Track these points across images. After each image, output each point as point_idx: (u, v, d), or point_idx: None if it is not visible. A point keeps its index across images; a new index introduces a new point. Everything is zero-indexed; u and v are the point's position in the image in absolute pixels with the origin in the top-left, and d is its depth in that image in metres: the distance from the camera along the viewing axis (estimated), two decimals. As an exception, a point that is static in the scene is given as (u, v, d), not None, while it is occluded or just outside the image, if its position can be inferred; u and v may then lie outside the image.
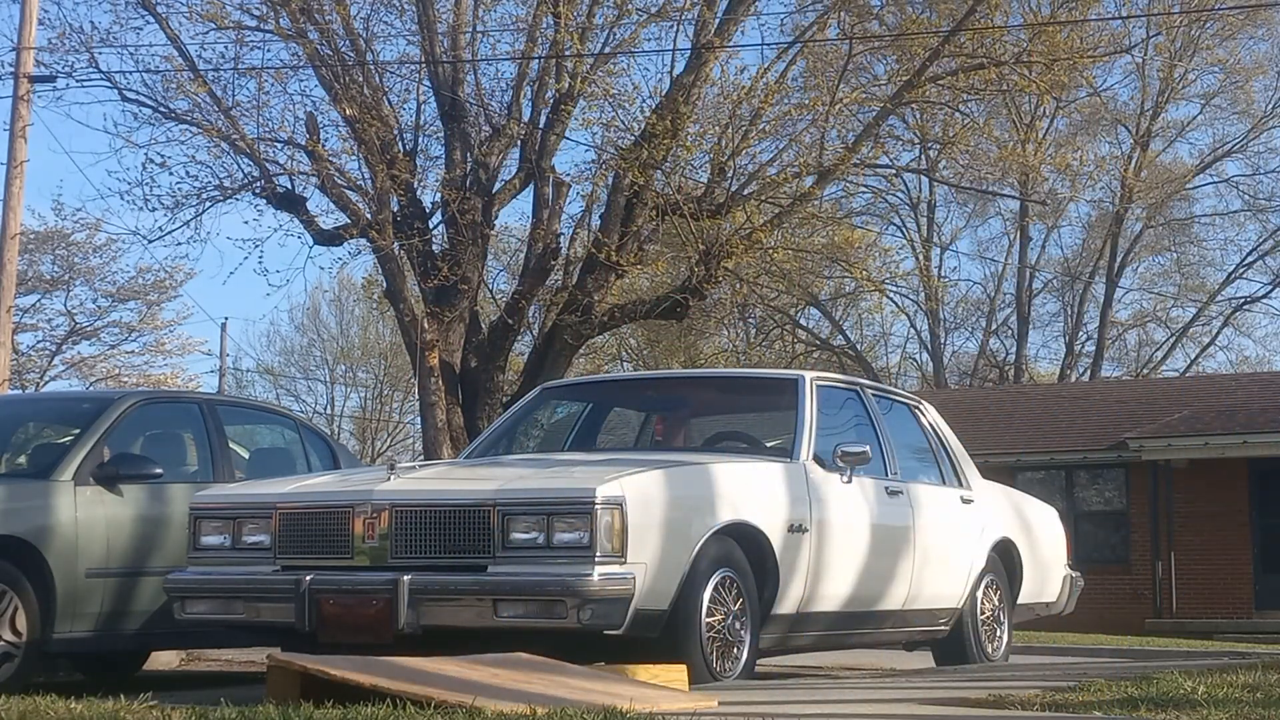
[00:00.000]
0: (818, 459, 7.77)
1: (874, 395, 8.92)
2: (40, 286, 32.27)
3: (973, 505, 9.27)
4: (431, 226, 17.33)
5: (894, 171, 24.66)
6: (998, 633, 9.41)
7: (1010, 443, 25.18)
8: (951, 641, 9.09)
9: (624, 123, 16.95)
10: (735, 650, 6.86)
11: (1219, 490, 23.58)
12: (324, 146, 16.78)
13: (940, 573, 8.70)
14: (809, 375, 8.35)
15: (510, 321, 17.47)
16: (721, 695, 5.40)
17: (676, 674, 5.94)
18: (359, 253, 18.28)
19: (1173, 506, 23.62)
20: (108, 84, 17.25)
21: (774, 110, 17.35)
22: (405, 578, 6.39)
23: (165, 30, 16.92)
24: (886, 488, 8.31)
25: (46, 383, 33.40)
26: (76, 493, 7.96)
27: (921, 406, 9.54)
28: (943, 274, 39.36)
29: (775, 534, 7.15)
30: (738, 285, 22.65)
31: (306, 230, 17.52)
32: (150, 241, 17.45)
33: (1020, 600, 9.79)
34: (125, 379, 33.68)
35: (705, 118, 17.71)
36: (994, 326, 40.74)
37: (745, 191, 17.41)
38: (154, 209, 17.21)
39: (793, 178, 17.49)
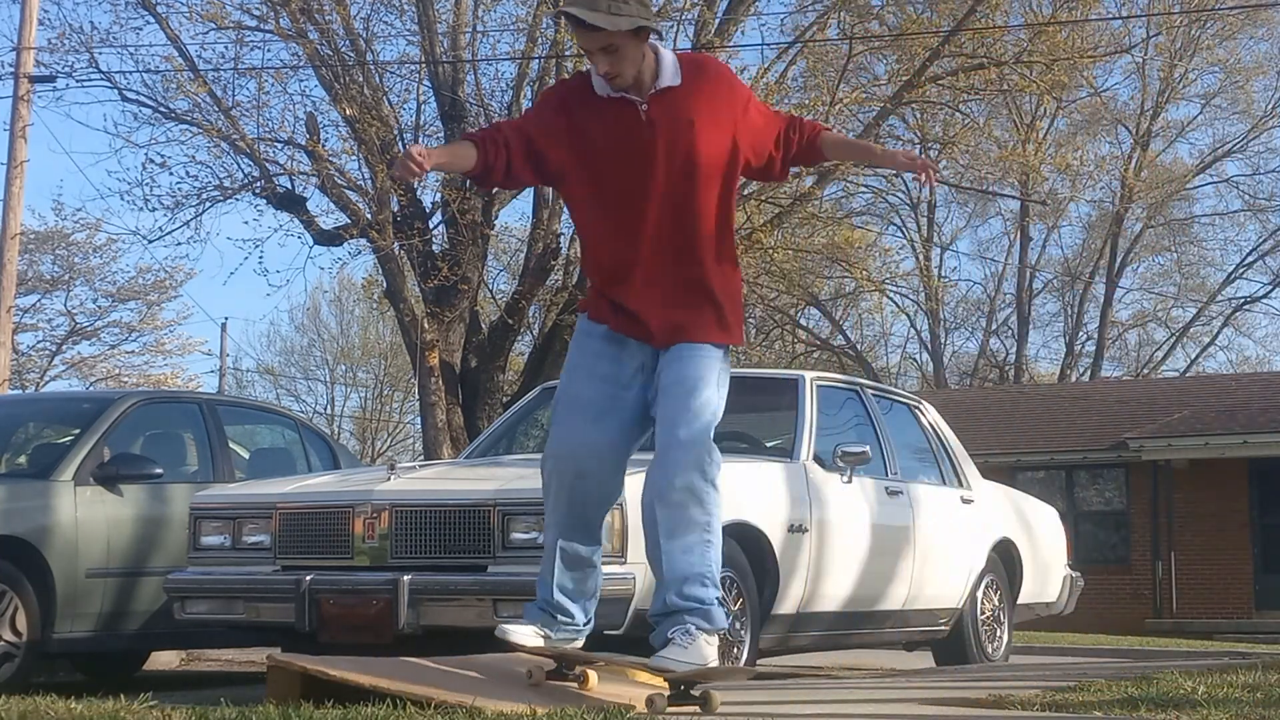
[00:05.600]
0: (818, 459, 7.76)
1: (874, 395, 8.91)
2: (40, 286, 32.27)
3: (973, 505, 9.27)
4: (431, 226, 17.34)
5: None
6: (998, 633, 9.40)
7: (1010, 443, 25.18)
8: (951, 641, 9.09)
9: (624, 122, 16.93)
10: (735, 650, 6.85)
11: (1219, 490, 23.58)
12: (324, 146, 16.80)
13: (940, 573, 8.70)
14: (809, 375, 8.35)
15: (510, 321, 17.47)
16: (721, 695, 5.40)
17: (676, 674, 5.92)
18: (359, 253, 18.31)
19: (1173, 506, 23.62)
20: (108, 84, 17.30)
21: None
22: (405, 578, 6.39)
23: (165, 30, 16.94)
24: (886, 488, 8.31)
25: (46, 383, 33.42)
26: (76, 493, 7.96)
27: (921, 406, 9.54)
28: (943, 274, 39.40)
29: (775, 534, 7.15)
30: (738, 285, 22.59)
31: (306, 230, 17.54)
32: (150, 241, 17.51)
33: (1020, 600, 9.79)
34: (125, 379, 33.69)
35: (705, 118, 17.67)
36: (994, 326, 40.76)
37: (745, 191, 17.41)
38: (154, 209, 17.26)
39: (793, 178, 17.48)
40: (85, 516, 7.94)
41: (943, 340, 40.10)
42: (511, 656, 5.50)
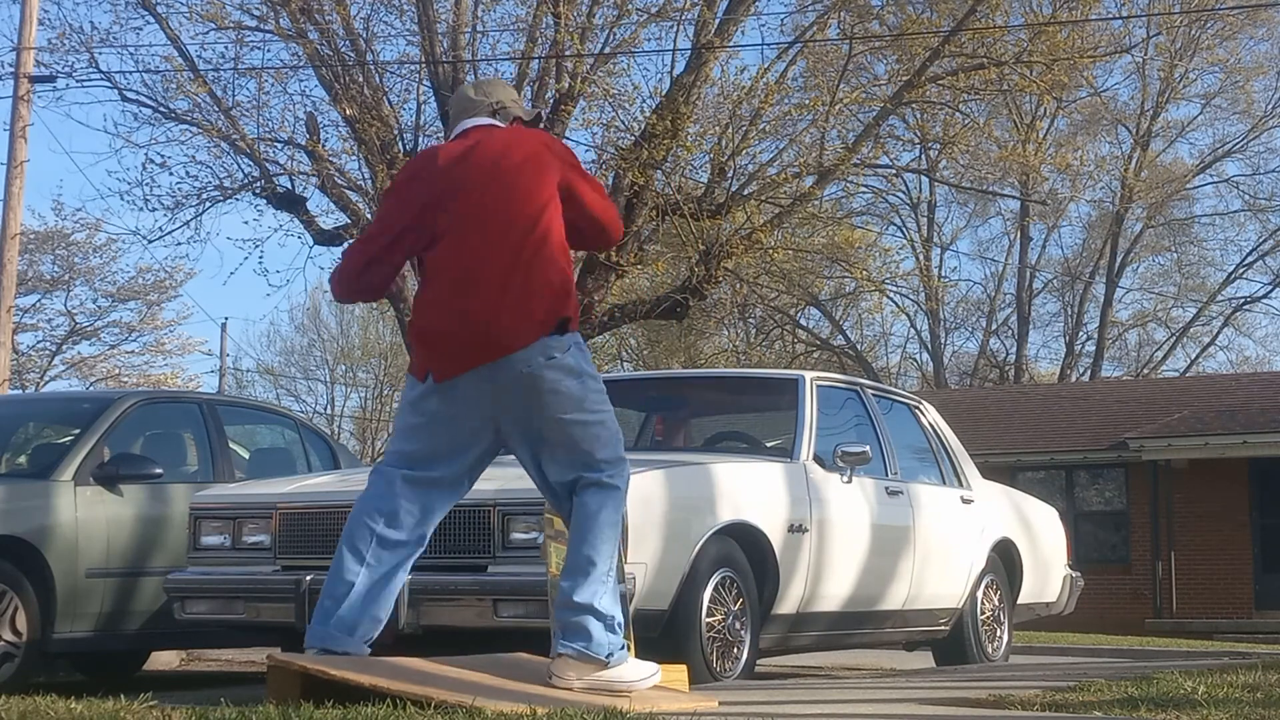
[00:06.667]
0: (818, 459, 7.76)
1: (874, 395, 8.91)
2: (40, 286, 32.29)
3: (973, 505, 9.27)
4: (431, 227, 17.30)
5: (894, 171, 24.68)
6: (998, 633, 9.40)
7: (1010, 443, 25.18)
8: (951, 641, 9.09)
9: (624, 123, 16.95)
10: (735, 650, 6.85)
11: (1219, 490, 23.58)
12: (324, 146, 16.79)
13: (940, 573, 8.69)
14: (809, 375, 8.34)
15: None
16: (721, 695, 5.40)
17: (676, 674, 5.92)
18: (359, 253, 18.25)
19: (1173, 506, 23.62)
20: (108, 84, 17.30)
21: (774, 110, 17.34)
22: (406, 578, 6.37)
23: (165, 30, 16.94)
24: (886, 488, 8.30)
25: (46, 383, 33.43)
26: (77, 493, 7.95)
27: (921, 406, 9.54)
28: (943, 274, 39.39)
29: (775, 534, 7.15)
30: (738, 285, 22.67)
31: (306, 230, 17.54)
32: (150, 241, 17.51)
33: (1020, 600, 9.78)
34: (125, 379, 33.70)
35: (705, 118, 17.70)
36: (994, 326, 40.77)
37: (745, 191, 17.40)
38: (154, 209, 17.26)
39: (793, 178, 17.48)
40: (85, 516, 7.93)
41: (943, 340, 40.11)
42: (511, 656, 5.50)
